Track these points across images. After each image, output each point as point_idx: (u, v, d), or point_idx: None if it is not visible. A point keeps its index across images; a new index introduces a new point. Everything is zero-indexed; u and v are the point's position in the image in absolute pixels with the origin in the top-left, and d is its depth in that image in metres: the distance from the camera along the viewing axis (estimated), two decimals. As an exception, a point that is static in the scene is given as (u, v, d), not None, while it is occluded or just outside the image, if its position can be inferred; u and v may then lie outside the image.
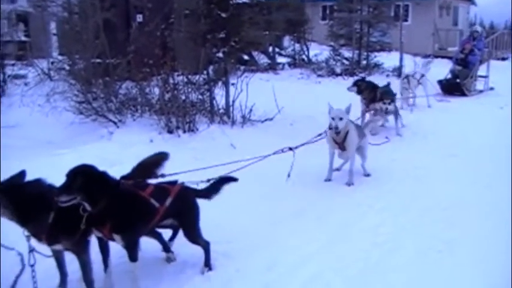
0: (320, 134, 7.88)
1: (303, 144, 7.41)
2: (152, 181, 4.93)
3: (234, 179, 5.23)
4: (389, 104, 10.97)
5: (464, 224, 6.21)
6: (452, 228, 6.08)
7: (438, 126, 11.88)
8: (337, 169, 8.37)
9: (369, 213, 6.68)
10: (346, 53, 21.97)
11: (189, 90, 10.48)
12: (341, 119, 7.52)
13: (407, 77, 14.43)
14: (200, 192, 5.05)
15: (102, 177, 4.31)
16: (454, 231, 6.00)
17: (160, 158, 5.19)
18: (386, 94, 11.16)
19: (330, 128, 7.65)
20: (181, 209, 4.80)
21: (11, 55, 16.54)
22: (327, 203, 7.00)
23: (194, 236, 4.96)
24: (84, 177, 4.18)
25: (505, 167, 8.22)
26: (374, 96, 11.29)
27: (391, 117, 11.43)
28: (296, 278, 4.96)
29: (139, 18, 14.85)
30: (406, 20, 27.39)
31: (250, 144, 8.95)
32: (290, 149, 7.07)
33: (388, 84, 11.83)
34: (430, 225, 6.24)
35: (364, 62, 21.83)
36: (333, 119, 7.53)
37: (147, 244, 4.98)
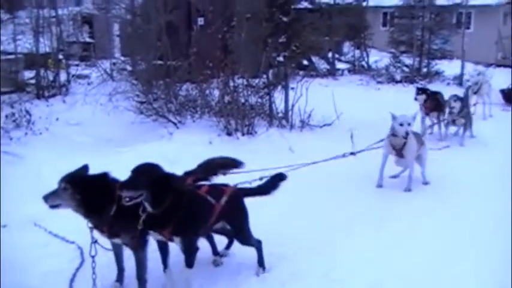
0: (382, 140, 7.81)
1: (364, 150, 7.38)
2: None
3: (285, 176, 5.18)
4: (458, 113, 10.74)
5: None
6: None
7: (500, 136, 11.61)
8: (395, 176, 8.25)
9: (426, 221, 6.56)
10: (407, 60, 21.67)
11: (249, 93, 10.55)
12: (409, 124, 7.46)
13: (476, 83, 14.03)
14: (253, 190, 5.05)
15: (168, 177, 4.25)
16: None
17: (230, 164, 5.23)
18: (457, 102, 10.90)
19: (393, 135, 7.56)
20: (233, 210, 4.77)
21: (76, 56, 16.94)
22: (385, 209, 6.89)
23: (246, 237, 4.96)
24: (149, 176, 4.16)
25: None
26: (437, 104, 11.11)
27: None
28: (354, 285, 4.90)
29: (200, 21, 15.00)
30: (468, 28, 26.91)
31: (309, 149, 8.94)
32: (352, 153, 7.05)
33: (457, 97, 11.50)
34: (489, 235, 6.08)
35: (425, 70, 21.50)
36: (401, 125, 7.44)
37: (203, 246, 4.93)
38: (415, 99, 11.15)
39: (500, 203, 7.08)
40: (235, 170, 5.21)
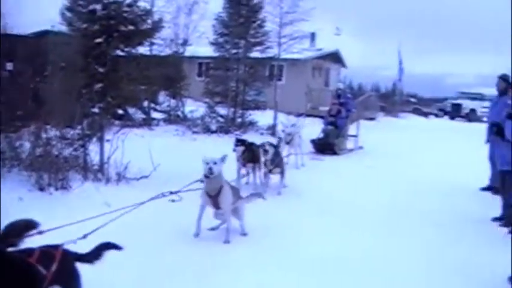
0: (198, 180, 7.79)
1: (179, 191, 7.36)
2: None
3: (113, 246, 4.98)
4: (272, 159, 11.07)
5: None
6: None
7: (312, 184, 12.20)
8: (213, 228, 8.25)
9: (247, 272, 6.59)
10: (222, 110, 22.16)
11: (63, 145, 10.11)
12: (215, 163, 7.50)
13: (289, 134, 14.58)
14: (82, 257, 4.76)
15: None
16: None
17: (29, 225, 4.89)
18: (272, 154, 11.24)
19: (205, 176, 7.59)
20: (64, 274, 4.42)
21: None
22: (205, 262, 6.85)
23: None
24: None
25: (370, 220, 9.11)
26: (253, 155, 11.37)
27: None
28: None
29: (9, 66, 14.28)
30: (280, 80, 28.18)
31: (126, 202, 8.64)
32: (171, 192, 7.00)
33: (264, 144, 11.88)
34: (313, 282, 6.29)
35: (239, 120, 22.08)
36: (207, 163, 7.49)
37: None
38: (234, 150, 11.30)
39: (314, 249, 7.41)
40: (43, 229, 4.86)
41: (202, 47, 26.63)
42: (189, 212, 7.95)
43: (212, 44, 23.51)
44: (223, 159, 7.68)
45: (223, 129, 20.75)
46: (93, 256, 4.79)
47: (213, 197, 7.67)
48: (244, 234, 8.13)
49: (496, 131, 9.48)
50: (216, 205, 7.76)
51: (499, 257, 7.09)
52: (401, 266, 7.06)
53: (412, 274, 6.82)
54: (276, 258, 7.10)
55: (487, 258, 7.38)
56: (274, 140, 13.70)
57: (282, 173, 11.36)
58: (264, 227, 8.45)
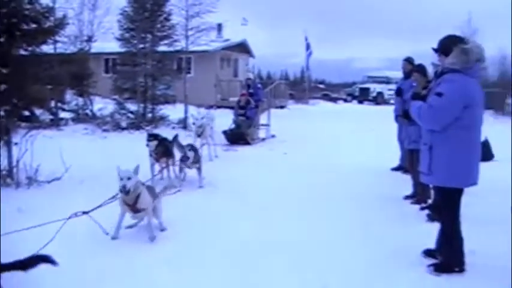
0: (114, 197, 7.64)
1: (96, 208, 7.18)
2: None
3: (48, 259, 4.82)
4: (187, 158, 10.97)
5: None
6: None
7: (229, 175, 12.21)
8: (131, 226, 8.08)
9: (169, 270, 6.53)
10: (132, 106, 21.87)
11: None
12: (129, 178, 7.37)
13: (200, 126, 14.48)
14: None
15: None
16: None
17: None
18: (182, 147, 11.17)
19: (121, 190, 7.46)
20: None
21: None
22: (127, 263, 6.69)
23: None
24: None
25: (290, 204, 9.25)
26: (166, 150, 11.25)
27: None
28: None
29: None
30: (189, 73, 28.03)
31: (39, 207, 8.50)
32: (84, 212, 6.83)
33: (176, 136, 11.80)
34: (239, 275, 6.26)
35: (150, 115, 21.86)
36: (121, 179, 7.36)
37: None
38: (147, 145, 11.13)
39: (237, 237, 7.44)
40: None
41: (108, 43, 26.27)
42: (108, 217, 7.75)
43: (118, 39, 23.13)
44: (136, 170, 7.56)
45: (134, 126, 20.49)
46: (25, 265, 4.65)
47: (132, 205, 7.56)
48: (162, 229, 8.03)
49: (402, 113, 9.84)
50: (135, 211, 7.65)
51: (413, 232, 7.54)
52: (326, 245, 7.24)
53: (337, 251, 7.00)
54: (199, 252, 7.03)
55: (403, 233, 7.71)
56: (185, 136, 13.61)
57: (199, 168, 11.26)
58: (185, 221, 8.38)
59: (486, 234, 7.34)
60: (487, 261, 6.43)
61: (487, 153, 14.08)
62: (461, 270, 6.21)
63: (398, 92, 12.17)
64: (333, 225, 8.22)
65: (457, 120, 5.90)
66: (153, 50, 22.09)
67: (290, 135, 20.09)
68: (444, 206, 6.41)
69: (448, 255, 6.31)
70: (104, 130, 20.08)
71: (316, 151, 16.36)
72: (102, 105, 22.83)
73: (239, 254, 6.88)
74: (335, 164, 13.89)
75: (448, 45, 6.10)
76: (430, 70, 9.22)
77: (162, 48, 22.57)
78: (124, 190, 7.27)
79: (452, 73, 5.95)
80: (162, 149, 11.21)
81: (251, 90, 18.98)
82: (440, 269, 6.26)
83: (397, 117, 11.62)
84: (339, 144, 17.96)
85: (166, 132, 14.05)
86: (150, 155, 11.11)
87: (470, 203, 6.90)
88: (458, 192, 6.17)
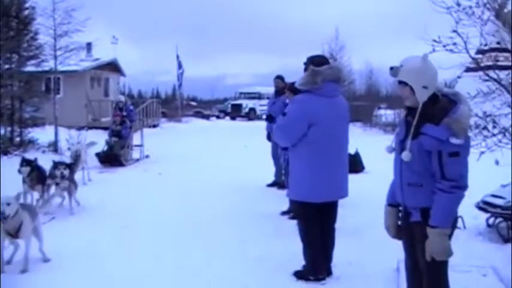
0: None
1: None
2: None
3: None
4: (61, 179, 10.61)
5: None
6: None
7: (105, 198, 11.97)
8: (9, 262, 7.65)
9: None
10: (0, 130, 20.98)
11: None
12: (9, 204, 7.10)
13: (76, 151, 14.08)
14: None
15: None
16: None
17: None
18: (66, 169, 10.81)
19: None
20: None
21: None
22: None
23: None
24: None
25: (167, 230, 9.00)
26: (41, 176, 10.84)
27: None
28: None
29: None
30: (58, 93, 27.21)
31: None
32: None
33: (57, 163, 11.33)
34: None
35: (18, 139, 20.98)
36: None
37: None
38: (19, 171, 10.69)
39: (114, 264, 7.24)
40: None
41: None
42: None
43: (-19, 60, 22.13)
44: (17, 197, 7.30)
45: (1, 151, 19.62)
46: None
47: (14, 234, 7.25)
48: (46, 260, 7.64)
49: (267, 135, 10.26)
50: (16, 237, 7.34)
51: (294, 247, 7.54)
52: (202, 267, 7.26)
53: (213, 273, 7.04)
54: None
55: (283, 249, 7.79)
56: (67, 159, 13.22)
57: (70, 193, 10.89)
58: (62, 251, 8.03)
59: (359, 244, 7.73)
60: (361, 270, 6.78)
61: (357, 165, 14.76)
62: (317, 279, 6.50)
63: (269, 118, 12.80)
64: (208, 246, 8.25)
65: (303, 137, 6.28)
66: (20, 70, 21.26)
67: (164, 155, 20.18)
68: (298, 219, 6.78)
69: (305, 263, 6.64)
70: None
71: (190, 170, 16.43)
72: (-34, 130, 21.70)
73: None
74: (210, 182, 14.00)
75: (306, 65, 6.52)
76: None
77: (29, 68, 21.78)
78: (3, 216, 6.98)
79: (303, 93, 6.35)
80: (37, 175, 10.80)
81: (124, 113, 18.76)
82: (299, 275, 6.64)
83: (269, 135, 12.07)
84: (214, 162, 18.13)
85: (38, 156, 13.58)
86: (24, 182, 10.68)
87: (344, 215, 7.20)
88: (309, 206, 6.44)
